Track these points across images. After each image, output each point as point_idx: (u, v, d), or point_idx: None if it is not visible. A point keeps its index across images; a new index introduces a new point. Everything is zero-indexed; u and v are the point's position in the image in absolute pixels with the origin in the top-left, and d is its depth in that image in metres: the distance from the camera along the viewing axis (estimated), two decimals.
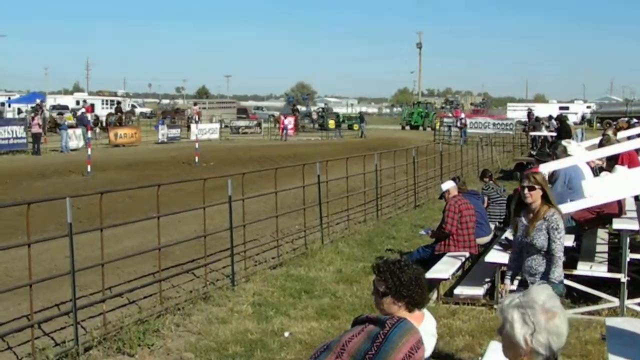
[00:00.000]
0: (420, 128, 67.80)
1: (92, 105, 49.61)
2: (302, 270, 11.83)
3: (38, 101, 50.78)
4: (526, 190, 6.81)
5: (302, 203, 14.30)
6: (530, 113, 55.84)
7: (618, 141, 13.37)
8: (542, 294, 3.02)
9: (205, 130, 48.34)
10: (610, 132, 18.29)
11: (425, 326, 4.34)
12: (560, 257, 6.84)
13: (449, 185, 12.10)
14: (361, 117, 62.47)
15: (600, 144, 12.64)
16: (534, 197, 6.79)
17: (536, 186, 6.76)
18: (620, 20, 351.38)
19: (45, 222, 13.77)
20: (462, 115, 57.69)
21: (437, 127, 56.56)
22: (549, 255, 6.83)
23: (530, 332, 2.95)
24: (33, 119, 36.49)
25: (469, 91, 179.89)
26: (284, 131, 54.74)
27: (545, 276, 6.83)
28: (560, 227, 6.78)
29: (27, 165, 29.59)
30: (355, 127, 62.99)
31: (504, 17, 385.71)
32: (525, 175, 7.03)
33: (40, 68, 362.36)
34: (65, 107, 58.60)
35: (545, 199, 6.82)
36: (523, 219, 7.00)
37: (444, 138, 45.85)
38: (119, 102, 66.77)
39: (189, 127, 49.60)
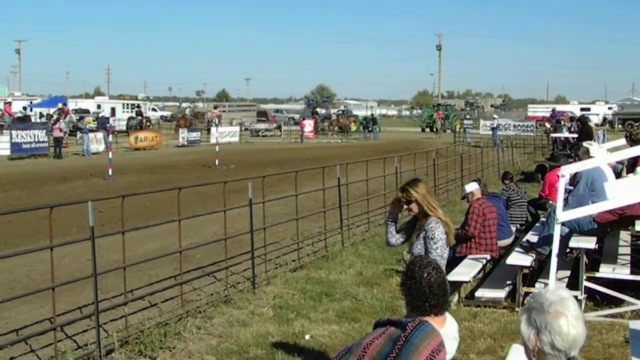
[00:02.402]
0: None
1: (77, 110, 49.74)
2: (323, 273, 11.82)
3: (60, 105, 51.06)
4: (405, 206, 6.42)
5: (323, 206, 14.29)
6: (553, 114, 55.64)
7: None
8: (551, 295, 3.02)
9: (225, 134, 48.52)
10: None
11: (447, 329, 4.32)
12: None
13: (472, 187, 12.00)
14: (373, 120, 62.22)
15: (631, 139, 12.50)
16: (415, 210, 6.32)
17: (411, 199, 6.26)
18: None
19: (68, 225, 13.86)
20: (495, 116, 57.90)
21: (457, 129, 56.39)
22: None
23: (535, 332, 2.98)
24: (55, 123, 36.78)
25: (489, 93, 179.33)
26: (301, 133, 54.98)
27: None
28: (436, 236, 6.17)
29: (49, 169, 29.86)
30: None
31: (523, 18, 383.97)
32: (401, 189, 6.52)
33: (62, 72, 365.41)
34: (87, 111, 58.99)
35: (422, 209, 6.27)
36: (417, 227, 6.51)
37: (463, 140, 45.65)
38: (139, 106, 67.08)
39: (209, 131, 49.76)
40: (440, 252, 6.13)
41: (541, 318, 2.95)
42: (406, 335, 3.78)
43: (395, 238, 6.71)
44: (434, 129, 62.92)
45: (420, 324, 3.85)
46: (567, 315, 2.93)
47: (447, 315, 4.42)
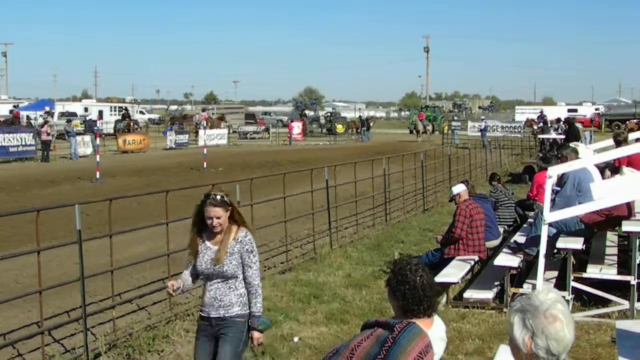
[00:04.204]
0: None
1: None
2: (311, 275, 11.82)
3: (47, 109, 50.89)
4: (215, 221, 5.65)
5: (311, 208, 14.30)
6: (541, 115, 55.91)
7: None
8: (545, 298, 3.01)
9: (213, 136, 48.46)
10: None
11: (435, 330, 4.32)
12: (259, 284, 5.87)
13: (460, 188, 12.03)
14: (362, 122, 62.23)
15: (617, 141, 12.58)
16: (225, 223, 5.72)
17: (229, 210, 5.69)
18: (628, 21, 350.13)
19: (55, 229, 13.80)
20: (482, 117, 58.09)
21: (445, 131, 56.38)
22: (247, 284, 5.81)
23: (530, 335, 2.93)
24: (42, 126, 36.64)
25: (477, 94, 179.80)
26: (290, 136, 55.06)
27: (238, 309, 5.78)
28: (255, 249, 5.79)
29: (37, 173, 29.73)
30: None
31: (511, 19, 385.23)
32: (216, 203, 5.65)
33: (48, 76, 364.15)
34: (74, 114, 58.76)
35: (233, 217, 5.75)
36: (207, 242, 5.80)
37: (451, 142, 45.70)
38: (126, 109, 66.82)
39: (197, 133, 49.67)
40: (258, 265, 5.87)
41: (537, 322, 2.92)
42: (394, 337, 3.79)
43: (193, 276, 6.01)
44: (416, 131, 60.06)
45: (408, 325, 3.87)
46: (562, 319, 2.92)
47: (435, 316, 4.42)
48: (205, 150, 33.22)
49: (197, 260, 5.81)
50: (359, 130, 59.89)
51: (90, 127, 45.88)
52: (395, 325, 3.87)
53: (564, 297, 5.19)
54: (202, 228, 5.80)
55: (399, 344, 3.76)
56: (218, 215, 5.62)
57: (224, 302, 5.75)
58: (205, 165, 31.75)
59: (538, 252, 9.36)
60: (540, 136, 35.92)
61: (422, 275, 4.25)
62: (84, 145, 38.91)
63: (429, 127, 60.45)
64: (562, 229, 10.00)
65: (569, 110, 77.93)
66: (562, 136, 28.69)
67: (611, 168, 12.31)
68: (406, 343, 3.76)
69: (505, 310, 9.53)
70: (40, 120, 38.83)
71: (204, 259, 5.76)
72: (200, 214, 5.73)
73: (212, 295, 5.77)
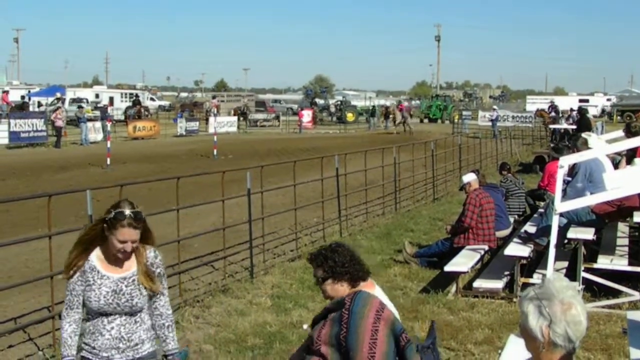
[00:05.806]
0: (439, 121, 67.31)
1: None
2: None
3: (58, 95, 50.99)
4: (129, 245, 4.38)
5: (321, 196, 14.29)
6: (552, 105, 55.59)
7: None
8: (557, 285, 3.00)
9: (223, 123, 48.44)
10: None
11: (378, 290, 4.59)
12: (171, 313, 4.76)
13: (470, 177, 12.00)
14: (373, 111, 62.20)
15: (629, 130, 12.50)
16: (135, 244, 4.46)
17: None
18: None
19: (66, 214, 13.82)
20: (494, 107, 57.74)
21: (456, 120, 56.06)
22: (157, 315, 4.67)
23: (547, 324, 2.92)
24: (55, 112, 36.73)
25: (488, 83, 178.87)
26: (300, 124, 55.01)
27: (149, 346, 4.61)
28: (164, 270, 4.72)
29: (48, 158, 29.84)
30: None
31: (522, 9, 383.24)
32: (128, 220, 4.39)
33: (60, 62, 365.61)
34: (85, 100, 58.90)
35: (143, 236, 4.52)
36: (101, 269, 4.48)
37: (461, 131, 45.52)
38: (137, 95, 66.94)
39: (207, 120, 49.66)
40: (167, 290, 4.79)
41: (554, 309, 2.91)
42: (347, 309, 4.09)
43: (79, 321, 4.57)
44: (393, 121, 54.58)
45: (356, 294, 4.20)
46: (577, 305, 2.92)
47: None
48: (215, 138, 33.20)
49: (90, 294, 4.45)
50: (367, 119, 59.69)
51: (102, 113, 45.94)
52: (343, 299, 4.19)
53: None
54: (89, 249, 4.58)
55: (354, 312, 4.05)
56: (135, 238, 4.42)
57: (132, 342, 4.52)
58: (215, 153, 31.75)
59: (548, 242, 9.33)
60: (552, 126, 35.78)
61: (344, 245, 4.62)
62: (94, 132, 39.01)
63: (409, 120, 55.66)
64: (573, 219, 9.96)
65: (580, 101, 77.52)
66: (574, 126, 28.58)
67: (627, 157, 12.23)
68: (361, 309, 4.05)
69: (515, 300, 9.51)
70: (53, 107, 38.85)
71: (101, 291, 4.43)
72: (98, 232, 4.57)
73: (114, 336, 4.48)
